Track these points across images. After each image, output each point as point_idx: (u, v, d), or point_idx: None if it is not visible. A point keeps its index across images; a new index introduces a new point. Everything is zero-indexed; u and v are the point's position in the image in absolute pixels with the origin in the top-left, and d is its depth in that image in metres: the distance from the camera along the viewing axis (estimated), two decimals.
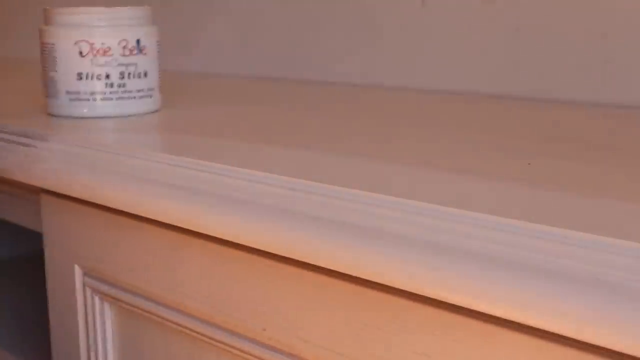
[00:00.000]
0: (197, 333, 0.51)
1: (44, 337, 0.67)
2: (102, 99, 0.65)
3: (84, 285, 0.60)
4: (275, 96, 0.86)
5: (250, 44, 1.04)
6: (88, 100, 0.64)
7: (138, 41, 0.65)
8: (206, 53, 1.08)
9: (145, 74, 0.65)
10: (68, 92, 0.65)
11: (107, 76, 0.64)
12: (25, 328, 0.87)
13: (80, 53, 0.63)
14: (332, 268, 0.40)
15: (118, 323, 0.59)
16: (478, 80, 0.82)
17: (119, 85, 0.65)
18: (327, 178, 0.42)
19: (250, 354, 0.48)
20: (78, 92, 0.64)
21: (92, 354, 0.61)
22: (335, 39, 0.95)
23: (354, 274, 0.39)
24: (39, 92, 0.68)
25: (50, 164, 0.56)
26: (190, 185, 0.47)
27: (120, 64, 0.64)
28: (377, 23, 0.91)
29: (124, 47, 0.64)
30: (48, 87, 0.66)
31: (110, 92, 0.64)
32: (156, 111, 0.67)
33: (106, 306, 0.59)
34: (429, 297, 0.36)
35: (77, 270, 0.60)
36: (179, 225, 0.48)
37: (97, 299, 0.59)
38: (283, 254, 0.42)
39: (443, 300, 0.35)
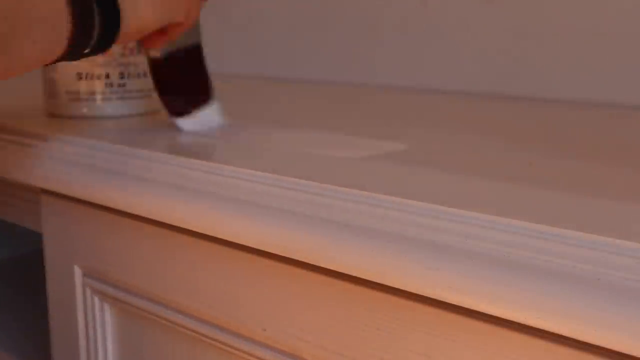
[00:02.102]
0: (197, 333, 0.51)
1: (44, 337, 0.66)
2: (102, 99, 0.65)
3: (83, 285, 0.60)
4: (276, 95, 0.86)
5: (250, 43, 1.04)
6: (88, 100, 0.64)
7: (138, 41, 0.65)
8: (206, 52, 1.08)
9: (145, 74, 0.65)
10: (68, 92, 0.65)
11: (107, 76, 0.64)
12: (25, 328, 0.87)
13: None
14: (332, 268, 0.40)
15: (118, 323, 0.59)
16: (478, 80, 0.82)
17: (119, 85, 0.65)
18: (327, 178, 0.42)
19: (250, 354, 0.48)
20: (78, 92, 0.64)
21: (92, 354, 0.61)
22: (336, 39, 0.95)
23: (354, 274, 0.39)
24: (39, 92, 0.68)
25: (50, 164, 0.56)
26: (190, 185, 0.46)
27: (120, 64, 0.64)
28: (378, 23, 0.91)
29: (124, 47, 0.64)
30: (48, 87, 0.66)
31: (110, 92, 0.64)
32: (156, 111, 0.67)
33: (106, 306, 0.59)
34: (429, 297, 0.36)
35: (77, 270, 0.60)
36: (179, 225, 0.48)
37: (97, 299, 0.59)
38: (283, 254, 0.42)
39: (443, 300, 0.35)
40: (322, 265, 0.40)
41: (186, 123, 0.58)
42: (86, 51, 0.48)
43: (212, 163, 0.46)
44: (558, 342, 0.34)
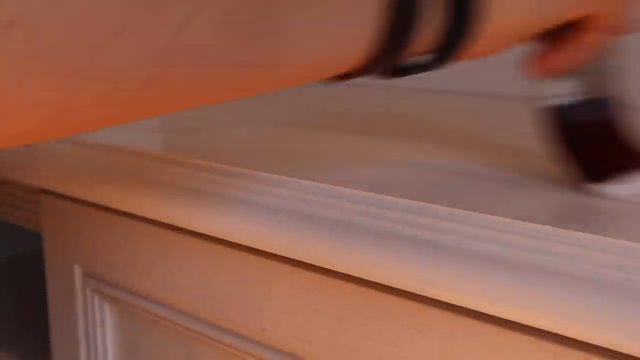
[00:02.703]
0: (197, 333, 0.51)
1: (44, 337, 0.67)
2: None
3: (84, 285, 0.60)
4: (277, 96, 0.86)
5: None
6: None
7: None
8: None
9: None
10: None
11: None
12: (25, 328, 0.87)
13: None
14: (332, 268, 0.40)
15: (118, 323, 0.59)
16: (478, 80, 0.82)
17: None
18: (326, 178, 0.42)
19: (250, 354, 0.48)
20: None
21: (92, 354, 0.61)
22: None
23: (354, 274, 0.39)
24: None
25: (50, 164, 0.56)
26: (191, 185, 0.46)
27: None
28: None
29: None
30: None
31: None
32: None
33: (106, 306, 0.59)
34: (429, 297, 0.36)
35: (77, 270, 0.60)
36: (179, 225, 0.48)
37: (97, 299, 0.59)
38: (283, 254, 0.42)
39: (444, 300, 0.35)
40: (322, 265, 0.40)
41: (614, 188, 0.37)
42: (406, 65, 0.30)
43: (212, 163, 0.46)
44: (558, 342, 0.34)
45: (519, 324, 0.33)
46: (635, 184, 0.36)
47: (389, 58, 0.28)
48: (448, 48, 0.29)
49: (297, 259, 0.41)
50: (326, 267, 0.40)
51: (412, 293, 0.37)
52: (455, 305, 0.35)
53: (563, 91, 0.36)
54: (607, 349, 0.31)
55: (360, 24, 0.26)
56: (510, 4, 0.29)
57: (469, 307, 0.34)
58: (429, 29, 0.28)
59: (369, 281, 0.39)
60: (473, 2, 0.28)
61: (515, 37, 0.31)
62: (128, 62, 0.23)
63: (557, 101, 0.37)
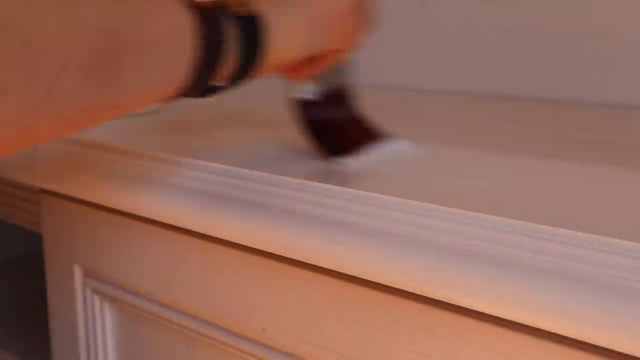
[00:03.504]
0: (197, 333, 0.51)
1: (44, 337, 0.67)
2: None
3: (83, 285, 0.60)
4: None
5: None
6: None
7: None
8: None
9: None
10: None
11: None
12: (25, 328, 0.87)
13: None
14: (332, 268, 0.39)
15: (118, 323, 0.59)
16: (478, 80, 0.82)
17: None
18: (326, 178, 0.42)
19: (250, 354, 0.48)
20: None
21: (92, 354, 0.61)
22: None
23: (354, 274, 0.39)
24: None
25: (50, 164, 0.56)
26: (190, 185, 0.46)
27: None
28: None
29: None
30: None
31: None
32: (157, 111, 0.67)
33: (106, 306, 0.59)
34: (429, 297, 0.36)
35: (77, 270, 0.60)
36: (179, 225, 0.48)
37: (97, 299, 0.59)
38: (283, 254, 0.42)
39: (443, 300, 0.35)
40: (322, 265, 0.40)
41: (355, 161, 0.46)
42: (215, 84, 0.38)
43: (212, 163, 0.46)
44: (558, 342, 0.34)
45: (519, 324, 0.33)
46: (366, 155, 0.47)
47: (201, 85, 0.36)
48: (239, 76, 0.38)
49: (298, 259, 0.41)
50: (326, 267, 0.40)
51: (412, 293, 0.37)
52: (456, 305, 0.35)
53: (308, 89, 0.48)
54: (607, 349, 0.31)
55: (180, 65, 0.35)
56: (283, 46, 0.40)
57: (467, 307, 0.34)
58: (227, 63, 0.37)
59: (369, 281, 0.39)
60: (257, 46, 0.38)
61: (286, 63, 0.42)
62: (10, 115, 0.29)
63: (302, 96, 0.48)
